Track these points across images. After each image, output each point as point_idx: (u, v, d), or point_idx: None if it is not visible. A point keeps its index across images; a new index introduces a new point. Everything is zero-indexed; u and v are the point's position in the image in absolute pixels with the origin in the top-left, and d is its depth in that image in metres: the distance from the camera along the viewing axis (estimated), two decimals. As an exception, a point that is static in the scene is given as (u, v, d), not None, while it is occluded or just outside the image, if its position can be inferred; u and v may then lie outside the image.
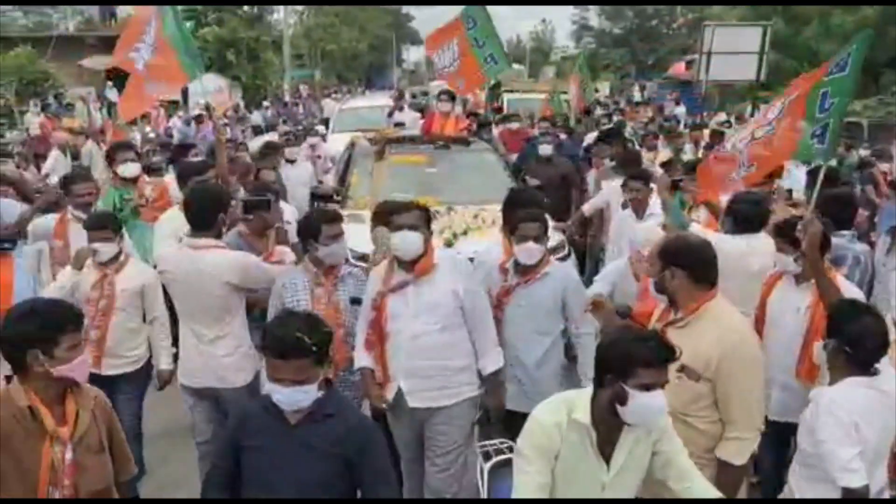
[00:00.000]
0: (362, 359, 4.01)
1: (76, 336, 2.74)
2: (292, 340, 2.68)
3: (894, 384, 3.23)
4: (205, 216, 4.29)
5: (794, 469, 3.39)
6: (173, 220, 5.41)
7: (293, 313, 2.97)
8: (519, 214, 4.27)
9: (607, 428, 2.73)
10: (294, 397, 2.73)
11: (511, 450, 3.46)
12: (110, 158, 6.35)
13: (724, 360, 3.16)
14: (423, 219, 3.97)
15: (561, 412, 2.76)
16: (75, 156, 10.97)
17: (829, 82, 3.96)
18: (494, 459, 3.48)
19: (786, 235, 4.05)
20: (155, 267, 4.93)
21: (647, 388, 2.60)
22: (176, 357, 4.99)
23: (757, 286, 4.39)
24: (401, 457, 4.16)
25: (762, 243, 4.37)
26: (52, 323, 2.69)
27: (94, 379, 3.31)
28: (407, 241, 3.87)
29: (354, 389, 4.13)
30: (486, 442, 3.65)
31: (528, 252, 4.16)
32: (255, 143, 11.13)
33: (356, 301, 4.12)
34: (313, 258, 4.13)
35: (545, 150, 8.54)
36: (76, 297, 4.35)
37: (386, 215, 4.52)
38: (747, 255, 4.32)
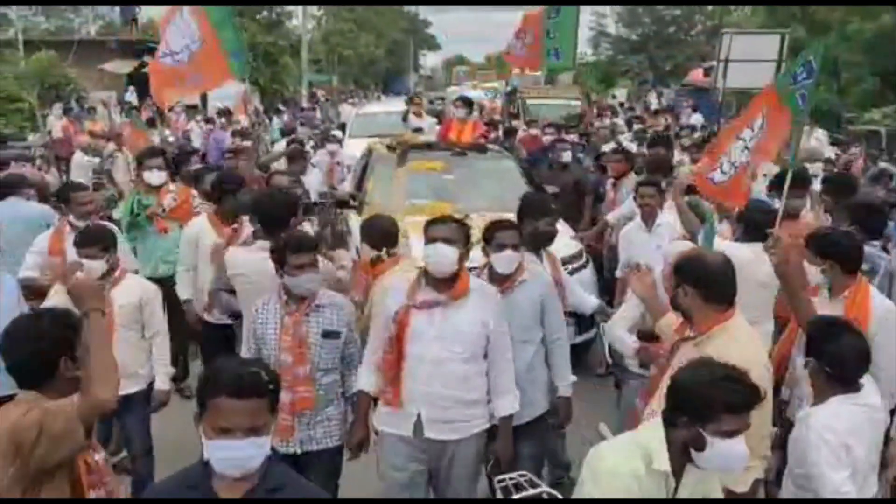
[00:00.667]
0: (365, 380, 3.81)
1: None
2: (249, 375, 2.31)
3: (878, 396, 3.24)
4: (278, 219, 4.41)
5: (786, 485, 3.36)
6: (196, 225, 5.56)
7: (243, 359, 2.87)
8: (495, 222, 4.12)
9: (678, 468, 2.53)
10: (246, 452, 2.26)
11: (530, 483, 3.40)
12: (139, 163, 6.47)
13: None
14: (461, 233, 3.67)
15: (635, 459, 2.51)
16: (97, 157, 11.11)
17: (802, 87, 4.26)
18: (516, 496, 3.35)
19: (813, 247, 4.02)
20: (167, 277, 4.96)
21: (728, 434, 2.38)
22: (175, 377, 4.98)
23: (764, 294, 4.37)
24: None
25: None
26: (73, 328, 2.76)
27: None
28: (441, 255, 3.58)
29: (328, 424, 3.90)
30: (505, 476, 3.51)
31: (507, 260, 3.97)
32: (279, 147, 11.25)
33: (330, 335, 3.83)
34: (284, 285, 3.84)
35: (566, 157, 8.61)
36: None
37: (372, 231, 4.54)
38: (754, 262, 4.27)
